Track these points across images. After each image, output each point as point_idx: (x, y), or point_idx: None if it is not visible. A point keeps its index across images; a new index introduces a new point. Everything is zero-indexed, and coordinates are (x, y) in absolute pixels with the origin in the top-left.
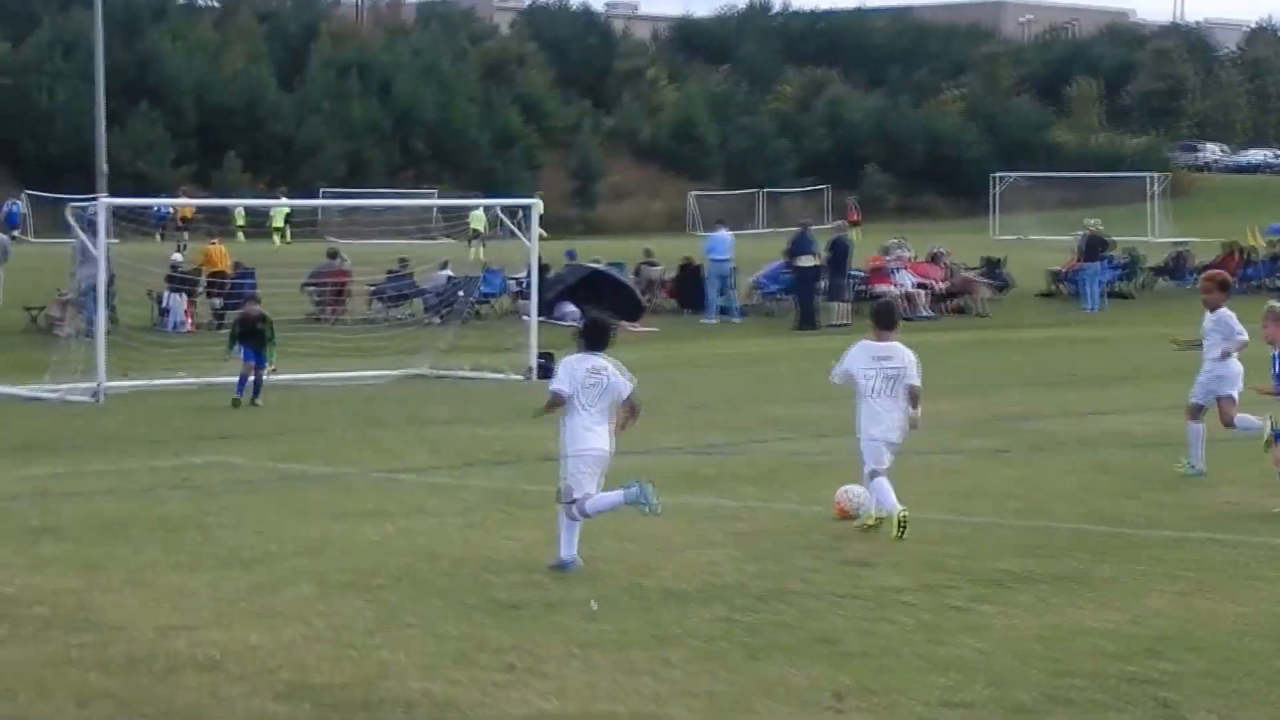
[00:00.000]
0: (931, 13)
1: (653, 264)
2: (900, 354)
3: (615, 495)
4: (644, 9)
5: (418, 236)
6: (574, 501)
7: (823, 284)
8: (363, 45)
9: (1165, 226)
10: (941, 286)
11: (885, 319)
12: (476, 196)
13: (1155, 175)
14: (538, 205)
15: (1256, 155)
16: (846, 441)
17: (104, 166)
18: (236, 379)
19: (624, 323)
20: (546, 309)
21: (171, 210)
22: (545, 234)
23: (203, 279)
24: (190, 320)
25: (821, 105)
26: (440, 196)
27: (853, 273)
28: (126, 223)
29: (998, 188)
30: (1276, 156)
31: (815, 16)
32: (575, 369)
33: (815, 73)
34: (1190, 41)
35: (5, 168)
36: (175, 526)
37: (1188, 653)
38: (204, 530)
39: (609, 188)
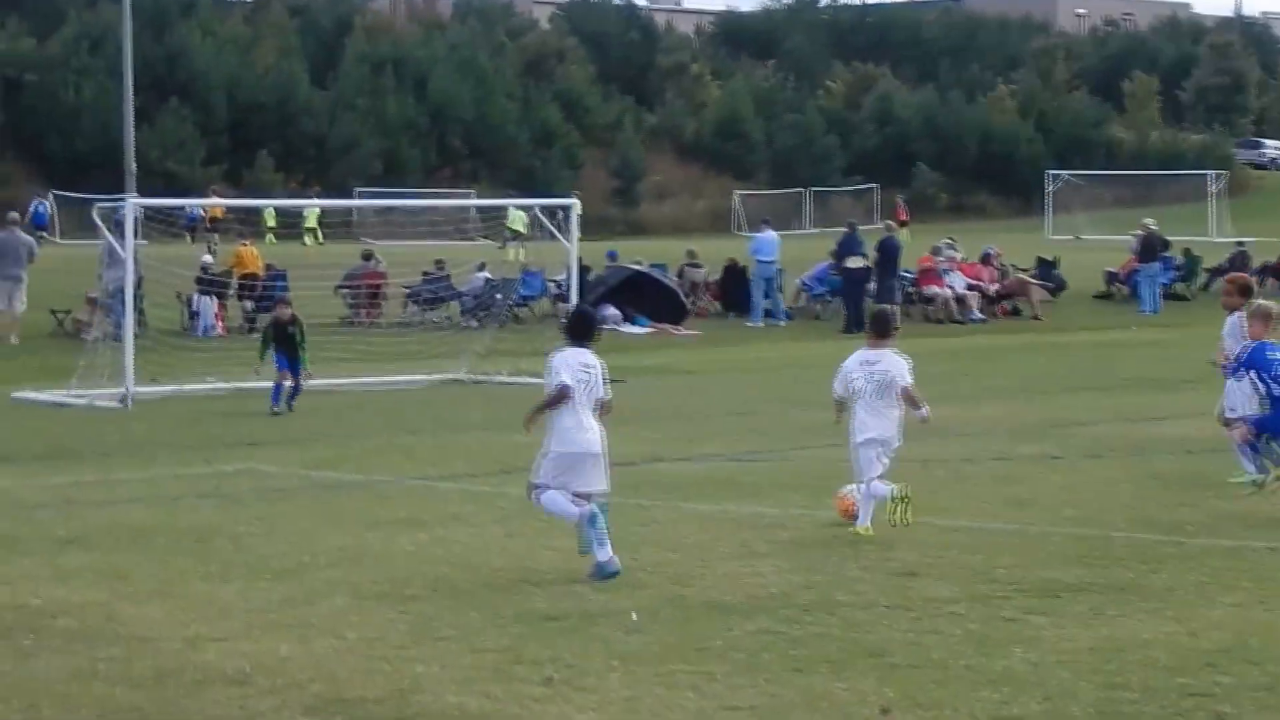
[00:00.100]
0: (984, 5)
1: (696, 265)
2: (889, 359)
3: (574, 511)
4: (687, 2)
5: (455, 237)
6: (537, 487)
7: (871, 286)
8: (398, 40)
9: (1225, 226)
10: (993, 289)
11: (879, 327)
12: (514, 196)
13: (1214, 173)
14: (576, 205)
15: None
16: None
17: (132, 165)
18: (271, 386)
19: (667, 326)
20: None
21: (201, 211)
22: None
23: (233, 281)
24: (221, 324)
25: (870, 101)
26: (477, 196)
27: (902, 274)
28: (155, 224)
29: (1052, 186)
30: None
31: (864, 9)
32: (570, 363)
33: (864, 68)
34: (1250, 35)
35: (31, 166)
36: (205, 536)
37: (1245, 665)
38: (234, 540)
39: (651, 187)
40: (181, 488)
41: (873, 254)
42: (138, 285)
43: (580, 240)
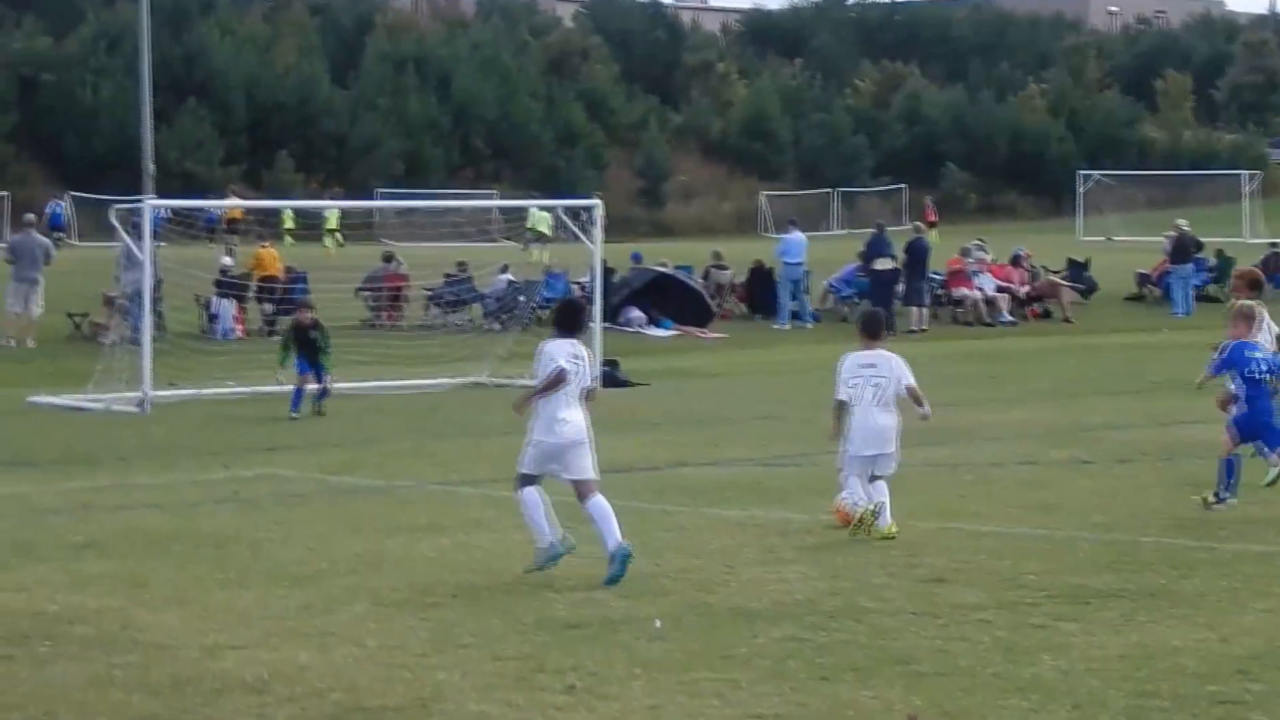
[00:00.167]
0: (1015, 3)
1: (722, 267)
2: (886, 361)
3: (545, 533)
4: (713, 1)
5: (478, 239)
6: (524, 476)
7: (900, 288)
8: (420, 38)
9: (1258, 227)
10: (1023, 290)
11: (870, 328)
12: (538, 196)
13: (1248, 173)
14: (599, 206)
15: None
16: (924, 453)
17: (150, 166)
18: (292, 391)
19: (692, 328)
20: (611, 314)
21: (220, 212)
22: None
23: (253, 284)
24: (240, 327)
25: (899, 100)
26: (500, 197)
27: (931, 276)
28: (173, 225)
29: (1083, 186)
30: None
31: (893, 7)
32: (562, 350)
33: (893, 66)
34: None
35: (48, 167)
36: (223, 542)
37: (1277, 673)
38: (253, 546)
39: (677, 187)
40: (199, 493)
41: (901, 255)
42: (156, 288)
43: (605, 242)
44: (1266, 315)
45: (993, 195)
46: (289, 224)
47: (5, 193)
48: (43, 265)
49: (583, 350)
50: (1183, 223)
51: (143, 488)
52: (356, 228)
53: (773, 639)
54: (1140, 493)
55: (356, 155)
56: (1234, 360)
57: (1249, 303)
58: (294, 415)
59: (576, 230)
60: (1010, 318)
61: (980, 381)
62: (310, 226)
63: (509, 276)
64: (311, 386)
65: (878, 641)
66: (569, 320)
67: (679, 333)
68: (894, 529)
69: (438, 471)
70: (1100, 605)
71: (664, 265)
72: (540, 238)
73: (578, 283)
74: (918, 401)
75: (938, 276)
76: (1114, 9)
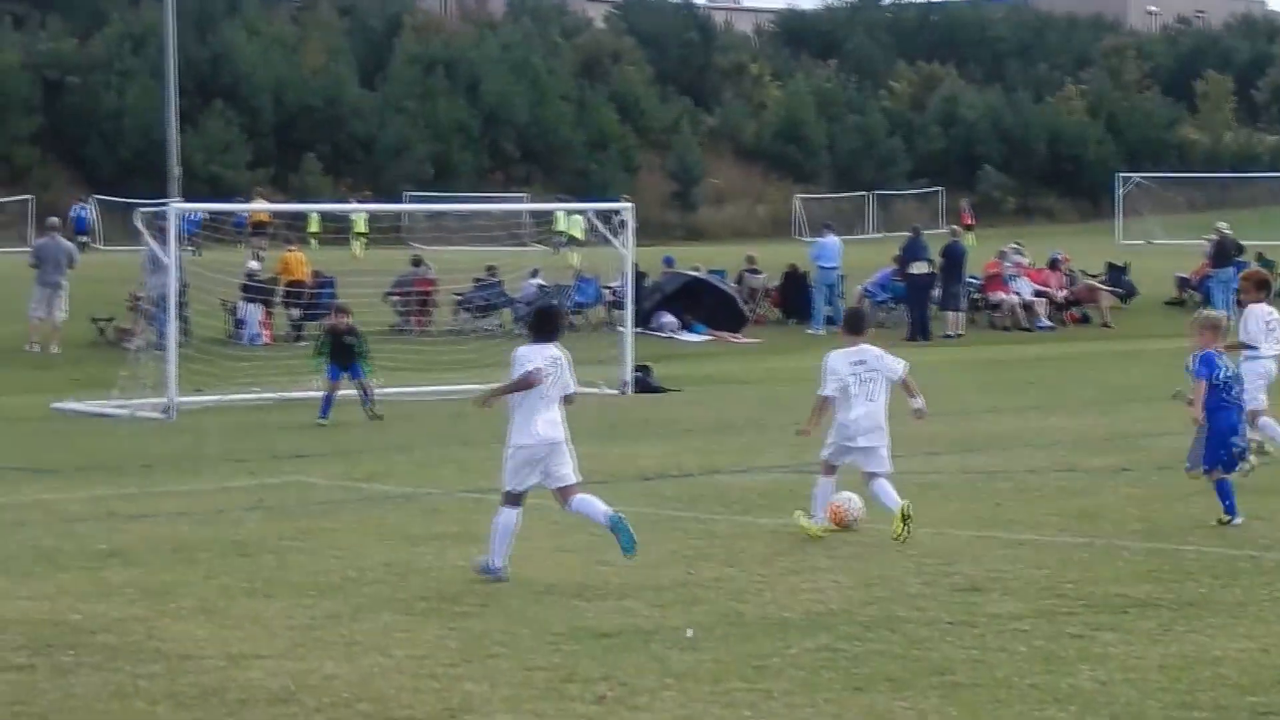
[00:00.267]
0: (1052, 3)
1: (756, 271)
2: (870, 354)
3: (500, 552)
4: (746, 1)
5: (508, 243)
6: (509, 494)
7: (936, 292)
8: (449, 40)
9: None
10: (1061, 295)
11: (853, 324)
12: (569, 200)
13: None
14: (630, 210)
15: None
16: (960, 460)
17: (176, 169)
18: (321, 397)
19: (725, 333)
20: (643, 319)
21: (246, 216)
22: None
23: (280, 288)
24: (267, 332)
25: (935, 102)
26: (531, 201)
27: (968, 280)
28: (200, 229)
29: (1122, 189)
30: None
31: (929, 8)
32: (539, 355)
33: (929, 68)
34: None
35: (72, 170)
36: (249, 550)
37: None
38: (279, 554)
39: (710, 190)
40: (225, 501)
41: (938, 259)
42: (182, 293)
43: (636, 246)
44: (1276, 316)
45: (1030, 198)
46: (314, 228)
47: (29, 196)
48: (67, 270)
49: (560, 353)
50: (1224, 225)
51: (168, 495)
52: (385, 231)
53: (806, 649)
54: (1180, 500)
55: (385, 158)
56: (1209, 364)
57: (1217, 313)
58: (322, 421)
59: (607, 234)
60: (1048, 323)
61: (1017, 388)
62: (338, 230)
63: (540, 281)
64: (342, 392)
65: (913, 651)
66: (545, 326)
67: (712, 338)
68: (819, 530)
69: (467, 479)
70: (1139, 615)
71: (696, 269)
72: (572, 241)
73: (609, 287)
74: (911, 393)
75: (974, 280)
76: (1153, 9)
